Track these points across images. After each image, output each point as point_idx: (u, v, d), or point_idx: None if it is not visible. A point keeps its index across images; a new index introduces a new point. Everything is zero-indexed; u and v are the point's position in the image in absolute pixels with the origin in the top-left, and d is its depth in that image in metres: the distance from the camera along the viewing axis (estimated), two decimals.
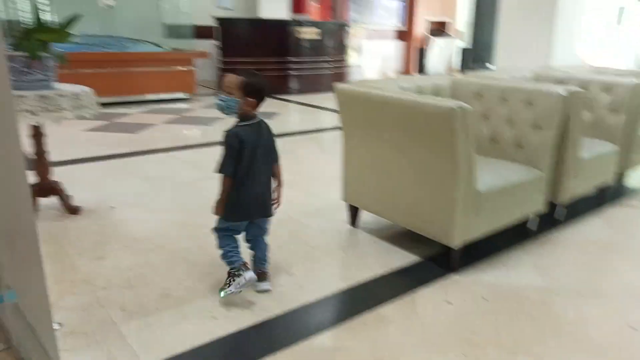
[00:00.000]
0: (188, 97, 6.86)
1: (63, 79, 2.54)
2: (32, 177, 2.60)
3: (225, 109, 1.81)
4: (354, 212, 2.61)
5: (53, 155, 3.68)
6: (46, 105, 2.28)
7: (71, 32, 2.46)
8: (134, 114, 5.65)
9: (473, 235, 2.20)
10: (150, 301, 1.86)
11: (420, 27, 11.25)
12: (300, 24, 7.76)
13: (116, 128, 4.85)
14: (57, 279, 1.97)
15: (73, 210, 2.63)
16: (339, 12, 10.12)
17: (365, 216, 2.61)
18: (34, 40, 2.28)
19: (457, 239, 2.13)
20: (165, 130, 4.90)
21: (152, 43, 6.84)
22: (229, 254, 1.86)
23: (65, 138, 4.34)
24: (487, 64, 9.34)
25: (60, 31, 2.34)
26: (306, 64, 7.91)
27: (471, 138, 2.03)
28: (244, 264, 1.86)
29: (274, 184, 1.93)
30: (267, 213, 1.92)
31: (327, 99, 7.52)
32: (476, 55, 9.89)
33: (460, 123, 1.96)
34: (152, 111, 5.83)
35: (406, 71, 11.64)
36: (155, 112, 5.79)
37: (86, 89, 2.56)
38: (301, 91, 7.92)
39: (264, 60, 7.51)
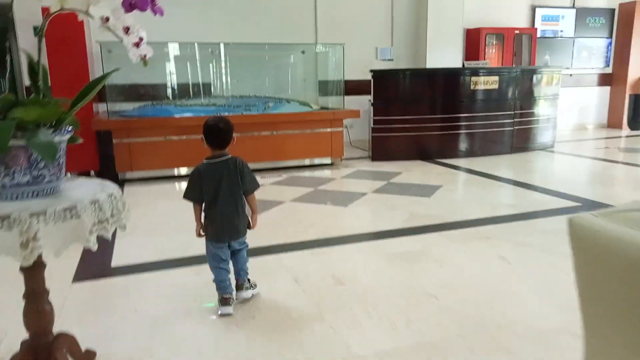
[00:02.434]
0: (333, 163, 5.87)
1: None
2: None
3: None
4: None
5: (132, 251, 2.70)
6: (6, 232, 1.30)
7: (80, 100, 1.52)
8: (266, 185, 4.80)
9: None
10: None
11: (637, 68, 8.76)
12: (474, 72, 6.30)
13: None
14: None
15: None
16: (525, 56, 8.34)
17: None
18: (8, 121, 1.36)
19: None
20: (289, 211, 3.86)
21: (301, 102, 6.10)
22: (216, 277, 2.18)
23: (167, 216, 3.59)
24: None
25: (47, 105, 1.39)
26: (480, 120, 6.36)
27: None
28: (226, 298, 2.14)
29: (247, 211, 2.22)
30: (234, 237, 2.18)
31: (505, 164, 5.83)
32: None
33: None
34: (287, 182, 4.92)
35: (614, 124, 9.12)
36: (290, 183, 4.87)
37: (104, 195, 1.56)
38: (473, 154, 6.36)
39: (426, 117, 6.20)
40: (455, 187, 4.72)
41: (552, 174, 5.64)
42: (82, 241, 1.44)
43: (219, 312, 2.12)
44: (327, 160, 5.85)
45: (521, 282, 2.47)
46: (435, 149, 6.29)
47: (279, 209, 3.92)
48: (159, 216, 3.75)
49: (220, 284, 2.15)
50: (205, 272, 2.56)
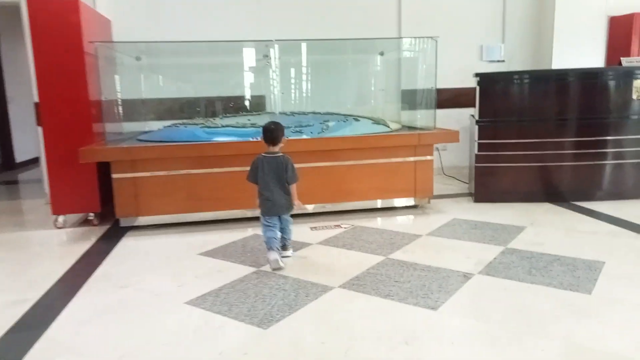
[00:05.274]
0: (417, 205, 4.14)
1: None
2: None
3: None
4: None
5: None
6: None
7: None
8: (313, 246, 3.21)
9: None
10: None
11: None
12: (633, 73, 4.25)
13: (248, 291, 2.44)
14: None
15: None
16: None
17: None
18: None
19: None
20: (333, 317, 2.24)
21: (374, 120, 4.46)
22: (266, 240, 2.85)
23: (141, 319, 2.12)
24: None
25: None
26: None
27: None
28: (272, 248, 2.81)
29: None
30: (280, 213, 2.88)
31: None
32: None
33: None
34: (345, 240, 3.29)
35: None
36: (349, 242, 3.22)
37: None
38: (629, 195, 4.30)
39: (557, 141, 4.25)
40: (634, 263, 2.77)
41: None
42: None
43: (269, 257, 2.80)
44: (410, 202, 4.13)
45: None
46: (570, 187, 4.31)
47: (316, 308, 2.29)
48: (129, 318, 2.30)
49: (269, 240, 2.84)
50: None
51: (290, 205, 2.88)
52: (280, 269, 2.76)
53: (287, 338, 2.01)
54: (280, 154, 2.85)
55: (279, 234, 2.89)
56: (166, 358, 1.89)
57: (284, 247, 2.97)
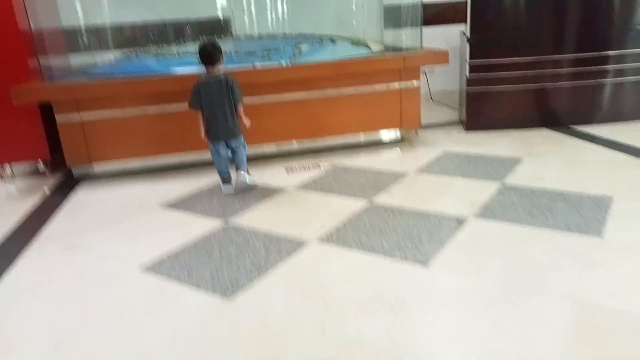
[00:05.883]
0: (404, 138, 3.78)
1: None
2: None
3: None
4: None
5: None
6: None
7: None
8: (287, 190, 2.87)
9: None
10: None
11: None
12: None
13: (217, 247, 2.13)
14: None
15: None
16: None
17: None
18: None
19: None
20: (309, 279, 1.95)
21: (353, 41, 3.97)
22: (217, 166, 2.84)
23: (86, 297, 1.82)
24: None
25: None
26: None
27: None
28: (225, 178, 2.85)
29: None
30: (230, 136, 2.76)
31: None
32: None
33: None
34: (323, 182, 2.95)
35: None
36: (328, 184, 2.88)
37: None
38: (622, 116, 3.98)
39: (551, 58, 3.84)
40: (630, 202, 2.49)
41: None
42: None
43: (222, 191, 2.85)
44: (396, 134, 3.77)
45: None
46: (568, 110, 3.97)
47: (289, 269, 1.99)
48: (71, 290, 1.99)
49: (220, 170, 2.84)
50: None
51: (239, 128, 2.79)
52: (231, 194, 2.84)
53: (253, 309, 1.71)
54: (222, 75, 2.71)
55: (228, 157, 2.86)
56: (108, 343, 1.59)
57: (238, 167, 2.85)
